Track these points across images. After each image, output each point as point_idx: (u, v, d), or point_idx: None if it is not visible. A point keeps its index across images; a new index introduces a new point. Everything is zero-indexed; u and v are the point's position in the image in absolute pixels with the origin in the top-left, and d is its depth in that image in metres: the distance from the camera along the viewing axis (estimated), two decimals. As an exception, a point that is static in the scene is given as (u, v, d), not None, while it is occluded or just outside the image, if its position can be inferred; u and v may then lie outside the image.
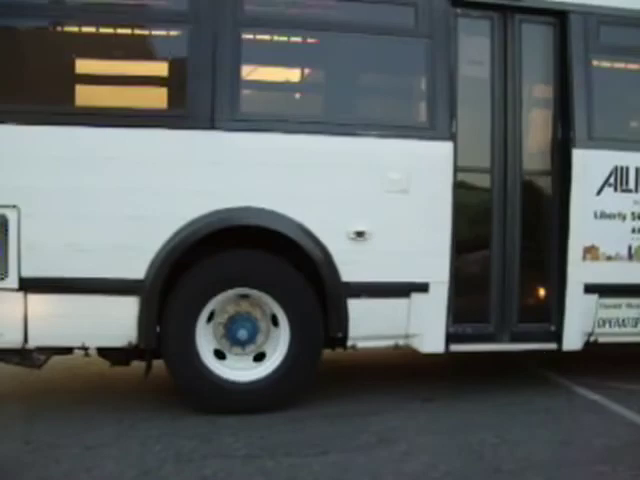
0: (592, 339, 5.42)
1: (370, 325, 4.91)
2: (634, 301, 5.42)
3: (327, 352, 5.21)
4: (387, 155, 4.89)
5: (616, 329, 5.45)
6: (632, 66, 5.63)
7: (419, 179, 4.89)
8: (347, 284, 4.81)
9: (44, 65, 4.77)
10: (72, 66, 4.86)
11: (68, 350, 4.84)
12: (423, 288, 4.99)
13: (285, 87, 5.41)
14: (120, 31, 4.81)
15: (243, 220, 4.69)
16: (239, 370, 4.84)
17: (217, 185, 4.65)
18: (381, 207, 4.88)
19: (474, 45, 5.28)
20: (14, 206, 4.42)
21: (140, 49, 4.97)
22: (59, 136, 4.52)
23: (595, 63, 5.33)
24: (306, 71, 5.36)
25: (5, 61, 4.60)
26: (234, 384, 4.78)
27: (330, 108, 5.16)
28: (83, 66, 4.94)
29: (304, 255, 4.74)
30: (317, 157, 4.79)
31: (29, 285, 4.48)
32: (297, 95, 5.43)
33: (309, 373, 4.91)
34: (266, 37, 4.98)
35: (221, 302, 4.80)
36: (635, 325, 5.47)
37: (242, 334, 4.84)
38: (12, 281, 4.46)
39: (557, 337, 5.34)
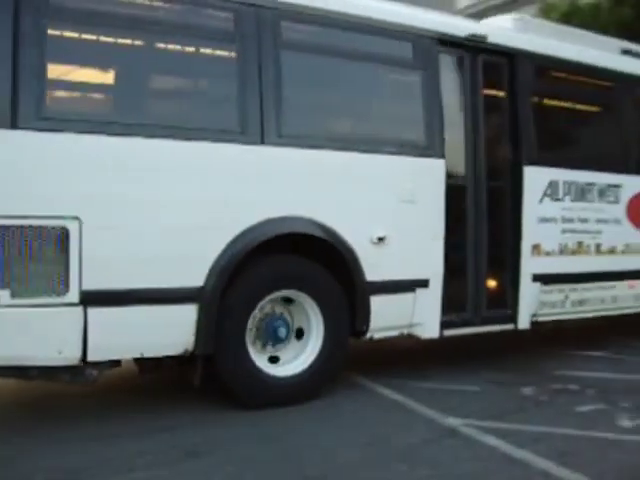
0: (534, 319, 6.63)
1: (385, 318, 5.69)
2: (561, 287, 6.77)
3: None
4: (401, 170, 5.77)
5: (550, 310, 6.73)
6: (561, 102, 7.24)
7: (422, 191, 5.82)
8: (370, 283, 5.53)
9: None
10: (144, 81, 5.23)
11: (117, 363, 4.85)
12: (425, 284, 5.89)
13: (321, 108, 5.87)
14: (192, 51, 5.23)
15: (294, 228, 5.19)
16: (282, 365, 5.38)
17: (267, 196, 5.09)
18: (395, 215, 5.71)
19: (451, 77, 6.29)
20: (75, 217, 4.40)
21: (210, 69, 5.37)
22: (122, 147, 4.64)
23: (534, 98, 6.71)
24: (340, 95, 5.91)
25: None
26: (279, 379, 5.26)
27: (357, 128, 5.94)
28: (153, 82, 5.35)
29: (339, 259, 5.40)
30: (349, 171, 5.50)
31: (90, 299, 4.46)
32: (328, 116, 5.92)
33: (341, 364, 5.63)
34: (302, 61, 5.59)
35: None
36: (562, 306, 6.83)
37: (282, 332, 5.36)
38: (73, 295, 4.41)
39: (513, 319, 6.51)
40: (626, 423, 5.10)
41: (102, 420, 4.93)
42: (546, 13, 30.01)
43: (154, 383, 5.85)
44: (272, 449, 4.49)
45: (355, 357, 7.05)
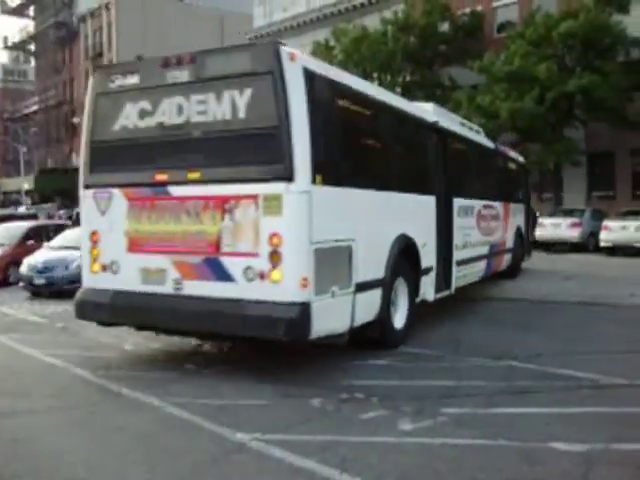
0: (456, 286, 10.67)
1: (423, 289, 9.26)
2: (462, 267, 10.93)
3: None
4: (427, 203, 9.66)
5: (458, 281, 10.81)
6: (459, 160, 11.31)
7: (429, 214, 9.69)
8: (421, 269, 9.07)
9: (375, 157, 8.31)
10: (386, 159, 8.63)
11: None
12: (432, 269, 9.62)
13: (413, 171, 9.55)
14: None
15: (409, 240, 8.64)
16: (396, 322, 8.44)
17: (397, 221, 8.48)
18: (425, 229, 9.40)
19: (427, 146, 10.12)
20: (353, 239, 7.24)
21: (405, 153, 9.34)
22: (373, 197, 7.90)
23: (451, 158, 10.61)
24: (407, 161, 9.42)
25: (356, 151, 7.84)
26: (397, 330, 8.40)
27: (414, 180, 9.36)
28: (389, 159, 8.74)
29: (414, 256, 8.85)
30: (415, 205, 9.20)
31: (357, 288, 7.24)
32: (411, 176, 9.37)
33: (414, 320, 8.82)
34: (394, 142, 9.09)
35: None
36: (460, 278, 10.97)
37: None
38: (352, 286, 7.20)
39: (449, 288, 10.40)
40: (407, 427, 5.32)
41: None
42: (337, 37, 31.61)
43: None
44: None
45: (139, 376, 6.83)
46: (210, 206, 6.76)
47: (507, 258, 14.63)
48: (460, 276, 10.90)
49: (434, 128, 10.08)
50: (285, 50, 6.54)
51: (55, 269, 13.70)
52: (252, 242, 6.54)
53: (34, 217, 26.71)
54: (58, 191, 61.41)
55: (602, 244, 21.54)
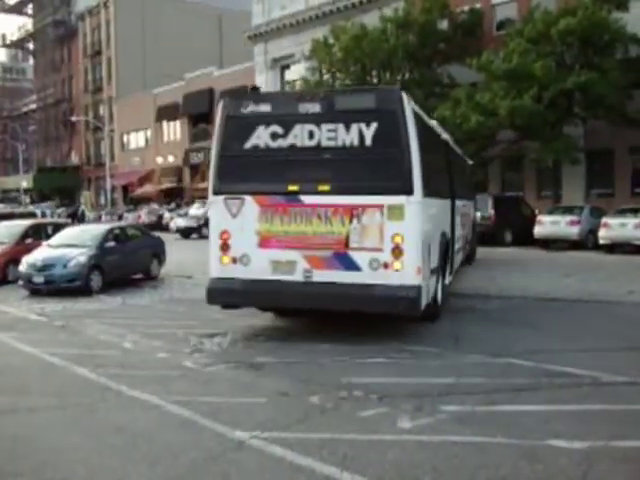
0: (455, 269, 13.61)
1: (449, 272, 11.70)
2: (458, 254, 13.63)
3: None
4: (449, 205, 12.14)
5: (456, 265, 13.66)
6: (453, 166, 13.88)
7: (449, 214, 12.20)
8: (448, 258, 11.36)
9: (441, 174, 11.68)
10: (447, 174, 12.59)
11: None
12: (449, 258, 11.87)
13: (446, 180, 12.42)
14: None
15: (446, 235, 11.05)
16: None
17: (439, 221, 10.43)
18: (449, 226, 11.91)
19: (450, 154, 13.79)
20: (432, 237, 9.27)
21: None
22: (436, 203, 9.96)
23: (451, 163, 13.46)
24: (445, 172, 12.46)
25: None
26: (439, 305, 10.08)
27: (447, 189, 12.13)
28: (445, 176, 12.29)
29: (447, 246, 11.09)
30: (445, 208, 11.50)
31: (431, 273, 9.16)
32: (445, 185, 12.17)
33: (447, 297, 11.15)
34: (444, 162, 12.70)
35: None
36: (455, 265, 13.34)
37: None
38: (430, 272, 9.09)
39: (452, 272, 12.53)
40: (406, 424, 5.32)
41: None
42: (336, 36, 31.57)
43: None
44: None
45: (138, 374, 6.82)
46: (339, 212, 8.43)
47: (468, 247, 17.35)
48: (456, 263, 13.50)
49: (446, 143, 13.00)
50: (404, 95, 8.46)
51: (54, 267, 13.64)
52: (377, 240, 8.33)
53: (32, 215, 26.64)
54: (57, 189, 61.54)
55: (601, 241, 21.50)
